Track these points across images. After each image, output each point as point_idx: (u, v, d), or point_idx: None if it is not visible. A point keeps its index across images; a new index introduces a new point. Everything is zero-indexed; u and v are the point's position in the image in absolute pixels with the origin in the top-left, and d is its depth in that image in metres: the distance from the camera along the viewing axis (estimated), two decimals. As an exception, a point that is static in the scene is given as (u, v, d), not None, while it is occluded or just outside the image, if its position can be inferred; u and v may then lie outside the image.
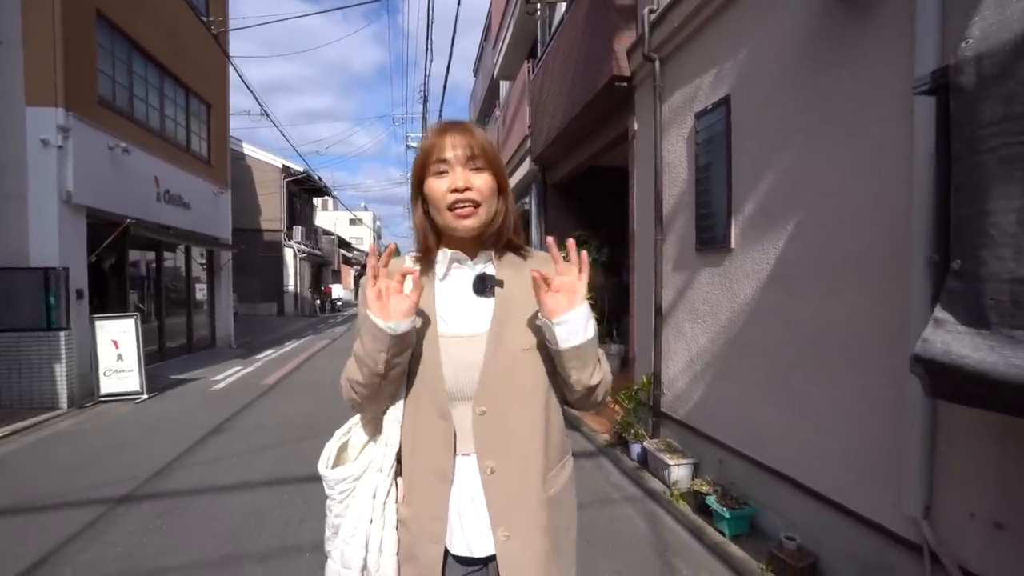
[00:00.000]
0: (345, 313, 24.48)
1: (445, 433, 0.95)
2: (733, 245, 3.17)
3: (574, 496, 1.07)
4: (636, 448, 4.06)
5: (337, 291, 26.81)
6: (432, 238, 1.02)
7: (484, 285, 1.00)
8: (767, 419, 2.90)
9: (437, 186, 0.96)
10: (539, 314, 0.94)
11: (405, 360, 0.95)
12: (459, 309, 1.00)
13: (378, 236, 62.58)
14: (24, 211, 5.92)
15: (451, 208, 0.95)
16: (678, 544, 2.94)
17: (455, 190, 0.95)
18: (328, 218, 36.47)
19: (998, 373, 1.33)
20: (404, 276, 0.92)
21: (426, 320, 0.98)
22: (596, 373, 0.97)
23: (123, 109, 7.52)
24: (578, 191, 7.49)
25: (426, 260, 1.03)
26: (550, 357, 0.97)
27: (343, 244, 34.78)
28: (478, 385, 0.95)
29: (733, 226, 3.16)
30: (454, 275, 1.03)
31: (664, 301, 4.04)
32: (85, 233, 6.55)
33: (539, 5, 7.78)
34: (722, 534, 2.93)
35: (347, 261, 36.85)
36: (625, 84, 4.52)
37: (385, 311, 0.89)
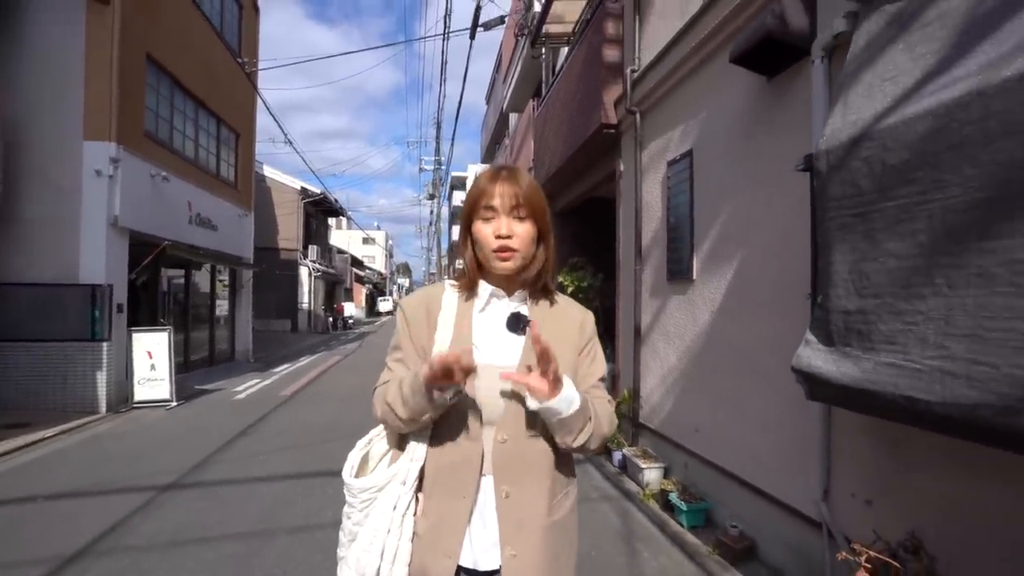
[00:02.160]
0: (357, 331, 25.12)
1: (472, 454, 1.02)
2: (694, 276, 3.70)
3: (576, 522, 1.14)
4: (617, 455, 4.54)
5: (349, 309, 27.52)
6: (476, 272, 1.11)
7: (517, 323, 1.08)
8: (719, 427, 3.40)
9: (484, 230, 1.06)
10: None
11: (445, 409, 1.02)
12: (492, 340, 1.08)
13: (390, 255, 63.67)
14: (77, 233, 6.63)
15: (494, 251, 1.05)
16: (644, 534, 3.42)
17: (498, 236, 1.04)
18: (342, 237, 37.45)
19: (835, 378, 1.86)
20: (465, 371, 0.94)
21: (464, 346, 1.03)
22: (580, 437, 1.01)
23: (164, 140, 8.29)
24: (576, 220, 8.07)
25: (469, 291, 1.12)
26: None
27: (356, 263, 35.65)
28: (503, 414, 1.03)
29: (695, 260, 3.70)
30: (491, 308, 1.11)
31: (643, 324, 4.57)
32: (127, 253, 7.24)
33: (543, 51, 8.49)
34: (681, 525, 3.40)
35: (359, 280, 37.67)
36: (612, 131, 5.12)
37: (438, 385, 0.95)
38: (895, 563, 1.85)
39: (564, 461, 1.10)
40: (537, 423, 1.03)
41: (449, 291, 1.12)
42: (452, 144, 21.25)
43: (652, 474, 4.02)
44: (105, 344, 6.65)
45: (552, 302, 1.15)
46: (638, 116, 4.60)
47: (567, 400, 0.97)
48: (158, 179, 7.80)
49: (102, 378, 6.60)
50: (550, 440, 1.04)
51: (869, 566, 1.88)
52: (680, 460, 3.90)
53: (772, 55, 2.73)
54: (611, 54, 5.08)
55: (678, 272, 3.93)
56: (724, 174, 3.37)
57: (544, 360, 0.94)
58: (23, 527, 3.31)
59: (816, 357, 2.00)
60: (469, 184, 1.09)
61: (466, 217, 1.10)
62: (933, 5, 1.79)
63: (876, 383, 1.71)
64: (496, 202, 1.04)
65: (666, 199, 4.15)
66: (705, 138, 3.63)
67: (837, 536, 2.35)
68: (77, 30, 6.63)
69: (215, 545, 3.03)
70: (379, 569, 1.00)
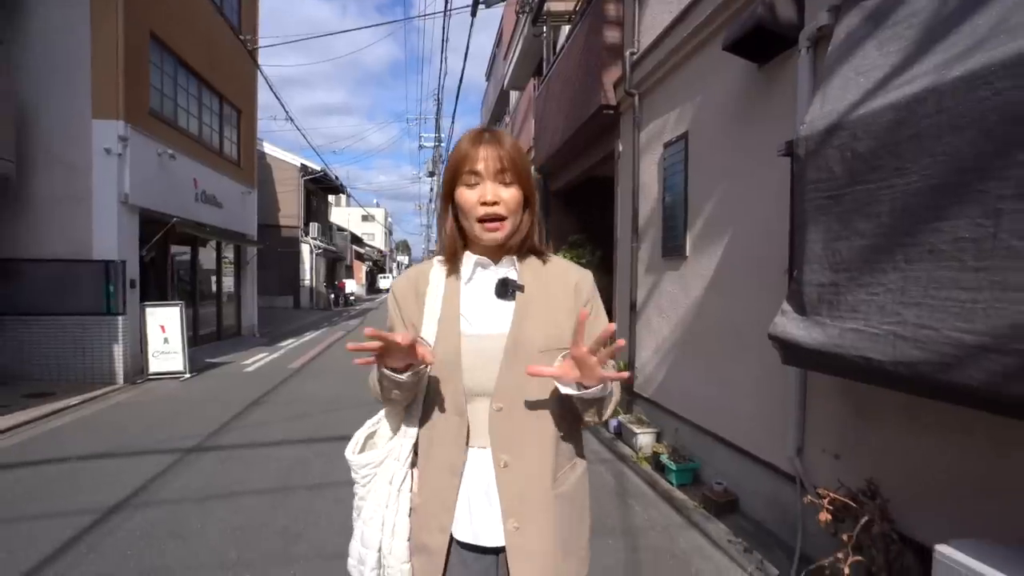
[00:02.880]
0: (358, 307, 25.39)
1: (459, 428, 1.00)
2: (688, 253, 3.91)
3: (587, 497, 1.10)
4: (613, 422, 4.81)
5: (350, 286, 27.75)
6: (459, 243, 1.07)
7: (506, 289, 1.04)
8: (707, 393, 3.65)
9: (468, 196, 1.00)
10: (561, 362, 0.96)
11: (418, 387, 1.02)
12: (481, 309, 1.04)
13: (389, 232, 63.61)
14: (89, 211, 6.79)
15: (480, 220, 1.00)
16: (636, 491, 3.70)
17: (484, 203, 0.98)
18: (341, 214, 37.45)
19: (805, 343, 2.09)
20: (403, 342, 0.90)
21: (451, 320, 1.02)
22: (604, 412, 1.02)
23: (169, 118, 8.38)
24: (577, 198, 8.24)
25: (453, 263, 1.08)
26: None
27: (356, 240, 35.75)
28: (496, 382, 0.99)
29: (688, 238, 3.90)
30: (478, 277, 1.07)
31: (638, 299, 4.79)
32: (138, 230, 7.41)
33: (544, 28, 8.52)
34: (671, 484, 3.68)
35: (359, 257, 37.82)
36: (611, 112, 5.26)
37: (393, 362, 0.94)
38: (854, 504, 2.11)
39: (569, 431, 1.06)
40: (538, 389, 1.00)
41: (437, 267, 1.09)
42: (453, 121, 21.15)
43: (645, 438, 4.30)
44: (120, 318, 6.88)
45: (544, 262, 1.10)
46: (636, 98, 4.74)
47: (598, 389, 0.93)
48: (165, 157, 7.92)
49: (118, 351, 6.85)
50: (550, 408, 1.01)
51: (831, 508, 2.13)
52: (671, 425, 4.17)
53: (762, 44, 2.88)
54: (611, 36, 5.18)
55: (672, 249, 4.13)
56: (717, 156, 3.54)
57: (598, 344, 0.88)
58: (64, 483, 3.59)
59: (790, 325, 2.22)
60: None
61: (448, 184, 1.04)
62: (904, 5, 1.95)
63: (840, 346, 1.94)
64: (480, 166, 0.99)
65: (662, 179, 4.32)
66: (700, 121, 3.79)
67: (809, 488, 2.61)
68: (82, 10, 6.67)
69: (241, 499, 3.31)
70: (381, 542, 1.03)
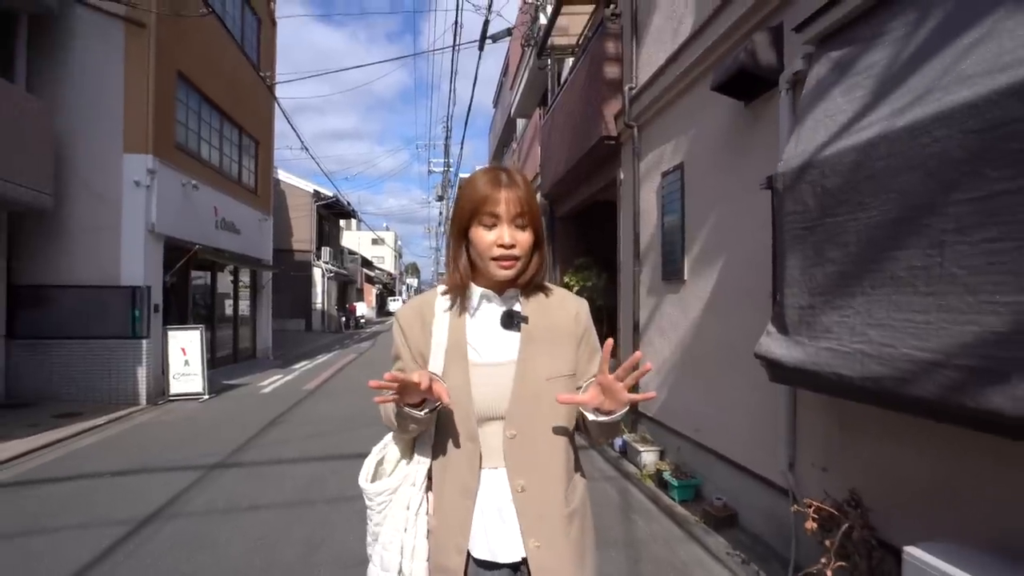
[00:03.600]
0: (369, 330, 25.67)
1: (471, 453, 1.05)
2: (686, 277, 4.11)
3: (589, 506, 1.17)
4: (618, 441, 4.95)
5: (361, 309, 28.10)
6: (468, 278, 1.11)
7: (511, 320, 1.10)
8: (706, 412, 3.80)
9: (485, 237, 1.05)
10: (584, 387, 1.07)
11: (434, 419, 1.07)
12: (488, 340, 1.09)
13: (399, 255, 64.35)
14: (118, 239, 7.16)
15: (495, 259, 1.05)
16: (639, 507, 3.84)
17: (501, 245, 1.04)
18: (352, 237, 38.08)
19: (787, 362, 2.27)
20: (418, 384, 0.95)
21: (458, 349, 1.08)
22: (616, 434, 1.12)
23: (192, 151, 8.81)
24: (581, 223, 8.49)
25: (461, 295, 1.12)
26: (570, 389, 1.09)
27: (366, 263, 36.28)
28: (508, 409, 1.05)
29: (686, 262, 4.11)
30: (483, 309, 1.12)
31: (641, 320, 4.98)
32: (162, 256, 7.76)
33: (548, 61, 8.91)
34: (673, 500, 3.81)
35: (369, 280, 38.31)
36: (612, 142, 5.53)
37: (411, 399, 0.99)
38: (838, 513, 2.26)
39: (572, 452, 1.13)
40: (547, 416, 1.06)
41: (441, 298, 1.13)
42: (462, 148, 21.68)
43: (649, 456, 4.44)
44: (144, 341, 7.17)
45: (547, 294, 1.16)
46: (635, 130, 5.01)
47: (620, 414, 1.02)
48: (188, 187, 8.32)
49: (142, 373, 7.13)
50: (559, 433, 1.08)
51: (817, 516, 2.28)
52: (674, 444, 4.31)
53: (747, 85, 3.13)
54: (611, 71, 5.48)
55: (672, 273, 4.33)
56: (710, 186, 3.77)
57: (626, 371, 0.97)
58: (99, 496, 3.81)
59: (774, 345, 2.41)
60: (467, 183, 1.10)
61: (463, 221, 1.08)
62: (863, 57, 2.19)
63: (817, 364, 2.12)
64: (500, 209, 1.04)
65: (661, 206, 4.55)
66: (694, 153, 4.04)
67: (798, 498, 2.75)
68: (116, 52, 7.16)
69: (263, 512, 3.50)
70: (401, 564, 1.07)
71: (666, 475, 3.95)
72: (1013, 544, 1.72)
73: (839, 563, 2.17)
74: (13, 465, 4.58)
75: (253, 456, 4.77)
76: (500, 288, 1.12)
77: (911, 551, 1.76)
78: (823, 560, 2.18)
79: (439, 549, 1.06)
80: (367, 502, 1.13)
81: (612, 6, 5.84)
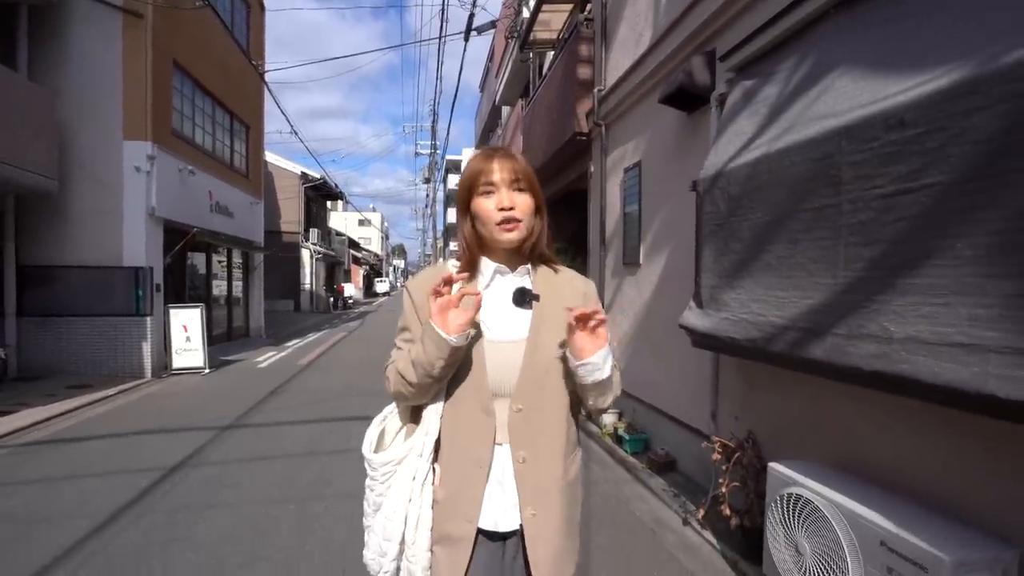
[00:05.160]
0: (357, 310, 26.12)
1: (487, 426, 1.08)
2: (641, 262, 4.71)
3: (581, 480, 1.21)
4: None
5: (349, 289, 28.50)
6: (477, 251, 1.14)
7: (523, 298, 1.11)
8: (655, 378, 4.45)
9: (485, 205, 1.08)
10: (566, 349, 1.07)
11: (456, 365, 1.07)
12: (500, 316, 1.12)
13: (386, 236, 64.35)
14: (120, 223, 7.56)
15: (498, 224, 1.08)
16: (597, 458, 4.49)
17: (502, 208, 1.07)
18: (339, 218, 38.17)
19: (700, 329, 2.89)
20: (463, 295, 1.03)
21: (473, 326, 1.07)
22: (609, 397, 1.12)
23: (188, 137, 9.15)
24: (560, 210, 9.02)
25: (471, 270, 1.14)
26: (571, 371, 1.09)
27: (353, 245, 36.50)
28: (516, 385, 1.08)
29: (642, 249, 4.71)
30: (496, 285, 1.14)
31: (605, 299, 5.59)
32: (162, 239, 8.17)
33: (531, 55, 9.35)
34: (626, 452, 4.48)
35: (356, 261, 38.56)
36: (584, 138, 6.08)
37: (446, 324, 1.01)
38: (737, 449, 2.90)
39: (572, 427, 1.17)
40: (553, 391, 1.10)
41: (453, 271, 1.15)
42: (448, 132, 21.95)
43: (608, 418, 5.09)
44: (148, 319, 7.64)
45: (555, 271, 1.19)
46: (604, 128, 5.55)
47: (605, 356, 1.04)
48: (185, 172, 8.69)
49: (147, 348, 7.61)
50: (562, 408, 1.12)
51: (721, 450, 2.93)
52: (630, 406, 4.97)
53: (687, 99, 3.69)
54: (584, 72, 6.00)
55: (630, 258, 4.93)
56: (661, 183, 4.35)
57: (583, 319, 1.01)
58: (129, 451, 4.38)
59: (692, 317, 3.03)
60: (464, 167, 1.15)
61: (464, 196, 1.13)
62: (763, 89, 2.77)
63: (717, 330, 2.74)
64: (496, 177, 1.08)
65: (623, 199, 5.13)
66: (650, 153, 4.61)
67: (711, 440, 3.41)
68: (115, 42, 7.46)
69: (275, 461, 4.09)
70: (404, 534, 1.10)
71: (620, 431, 4.61)
72: (849, 461, 2.37)
73: (733, 484, 2.82)
74: (43, 427, 5.10)
75: (259, 419, 5.35)
76: (512, 263, 1.15)
77: (773, 466, 2.40)
78: (721, 481, 2.84)
79: (446, 519, 1.09)
80: (370, 472, 1.16)
81: (587, 10, 6.33)
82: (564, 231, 9.01)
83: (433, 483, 1.13)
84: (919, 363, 1.64)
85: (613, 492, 3.72)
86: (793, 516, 2.18)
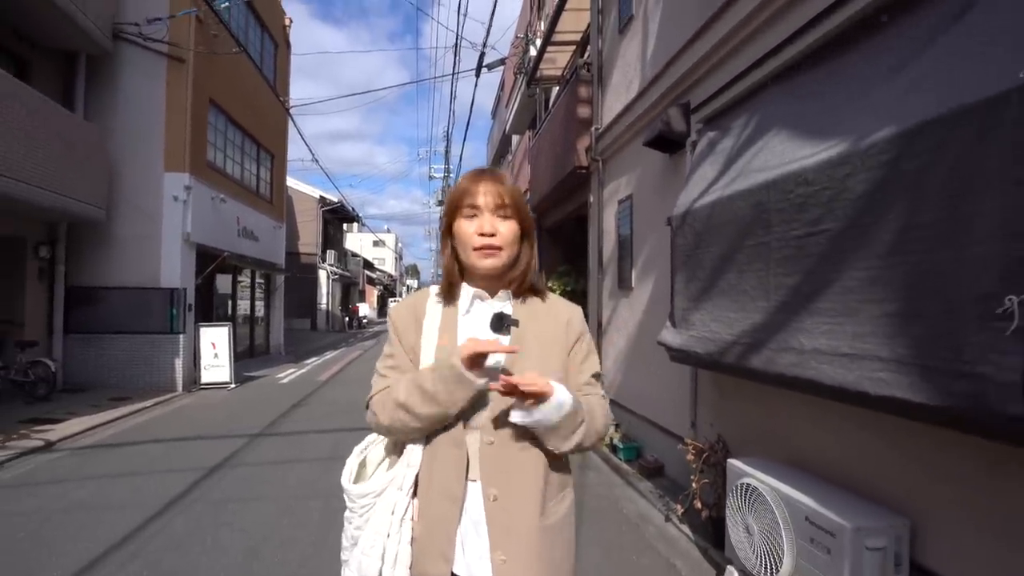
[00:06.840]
0: (370, 329, 26.77)
1: (458, 460, 1.04)
2: (633, 285, 5.18)
3: (573, 530, 1.12)
4: (585, 419, 6.01)
5: (363, 309, 29.25)
6: (457, 275, 1.11)
7: (501, 323, 1.06)
8: (646, 391, 4.88)
9: (465, 228, 1.06)
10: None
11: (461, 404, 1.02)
12: None
13: (400, 257, 65.46)
14: (158, 247, 8.24)
15: (476, 249, 1.05)
16: (594, 465, 4.91)
17: (482, 234, 1.05)
18: (354, 239, 39.16)
19: (674, 346, 3.35)
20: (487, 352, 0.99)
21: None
22: (572, 440, 1.03)
23: (220, 167, 9.90)
24: (564, 235, 9.57)
25: (450, 295, 1.12)
26: None
27: (367, 265, 37.39)
28: (487, 415, 1.03)
29: (633, 274, 5.18)
30: (475, 310, 1.11)
31: (603, 319, 6.05)
32: (195, 262, 8.84)
33: (537, 90, 10.00)
34: (619, 460, 4.89)
35: (371, 281, 39.40)
36: (583, 171, 6.62)
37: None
38: (705, 448, 3.33)
39: (558, 463, 1.09)
40: (525, 428, 1.02)
41: (433, 297, 1.14)
42: (461, 157, 22.76)
43: (606, 429, 5.50)
44: (181, 336, 8.25)
45: (542, 299, 1.15)
46: (601, 163, 6.09)
47: (556, 406, 0.97)
48: (216, 200, 9.40)
49: (179, 363, 8.20)
50: (540, 444, 1.04)
51: (693, 452, 3.35)
52: (625, 418, 5.39)
53: (667, 143, 4.21)
54: (583, 111, 6.57)
55: (624, 281, 5.41)
56: (649, 216, 4.85)
57: (511, 389, 0.96)
58: (173, 455, 4.89)
59: (668, 335, 3.49)
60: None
61: (448, 217, 1.10)
62: (721, 141, 3.27)
63: (686, 346, 3.20)
64: (480, 200, 1.05)
65: (617, 228, 5.63)
66: (639, 188, 5.12)
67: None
68: (159, 85, 8.25)
69: (303, 464, 4.57)
70: (380, 571, 1.03)
71: (615, 441, 5.02)
72: (794, 455, 2.78)
73: (704, 481, 3.24)
74: (91, 434, 5.65)
75: (286, 428, 5.85)
76: (492, 288, 1.12)
77: (731, 462, 2.83)
78: (692, 478, 3.26)
79: (423, 557, 1.04)
80: (348, 504, 1.10)
81: (587, 54, 6.93)
82: (568, 255, 9.53)
83: (412, 518, 1.08)
84: (822, 370, 2.09)
85: (605, 494, 4.14)
86: (744, 502, 2.60)
